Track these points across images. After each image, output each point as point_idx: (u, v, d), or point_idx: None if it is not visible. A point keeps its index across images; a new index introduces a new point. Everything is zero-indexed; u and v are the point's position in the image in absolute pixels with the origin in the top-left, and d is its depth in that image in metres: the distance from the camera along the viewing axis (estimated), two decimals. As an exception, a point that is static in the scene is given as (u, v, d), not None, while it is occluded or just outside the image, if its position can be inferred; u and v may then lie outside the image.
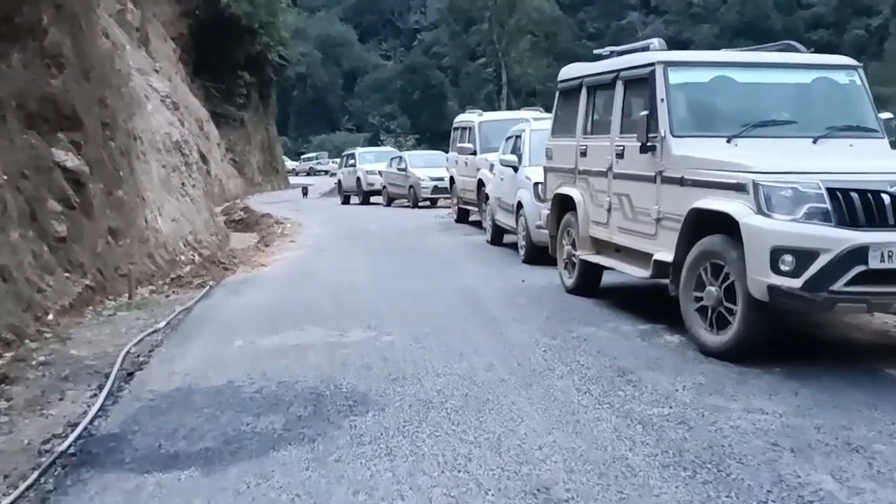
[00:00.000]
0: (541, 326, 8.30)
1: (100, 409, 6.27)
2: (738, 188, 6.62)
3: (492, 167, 17.39)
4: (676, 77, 7.98)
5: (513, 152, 14.50)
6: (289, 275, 13.06)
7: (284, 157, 64.70)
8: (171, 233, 15.76)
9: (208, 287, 12.26)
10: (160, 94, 20.11)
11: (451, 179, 21.79)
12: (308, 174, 70.94)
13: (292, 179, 58.23)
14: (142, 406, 6.32)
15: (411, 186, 28.55)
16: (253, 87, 48.74)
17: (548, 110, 21.08)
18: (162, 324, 9.51)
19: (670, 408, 5.67)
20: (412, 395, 6.18)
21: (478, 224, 19.54)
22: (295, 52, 59.93)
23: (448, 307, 9.56)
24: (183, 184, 18.32)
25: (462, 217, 21.22)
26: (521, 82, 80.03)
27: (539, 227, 11.74)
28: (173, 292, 12.08)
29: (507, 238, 15.63)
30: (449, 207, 25.98)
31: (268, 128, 54.32)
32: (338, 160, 57.37)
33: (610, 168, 8.90)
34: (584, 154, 9.66)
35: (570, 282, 10.12)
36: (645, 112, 7.85)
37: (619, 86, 8.85)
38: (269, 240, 18.92)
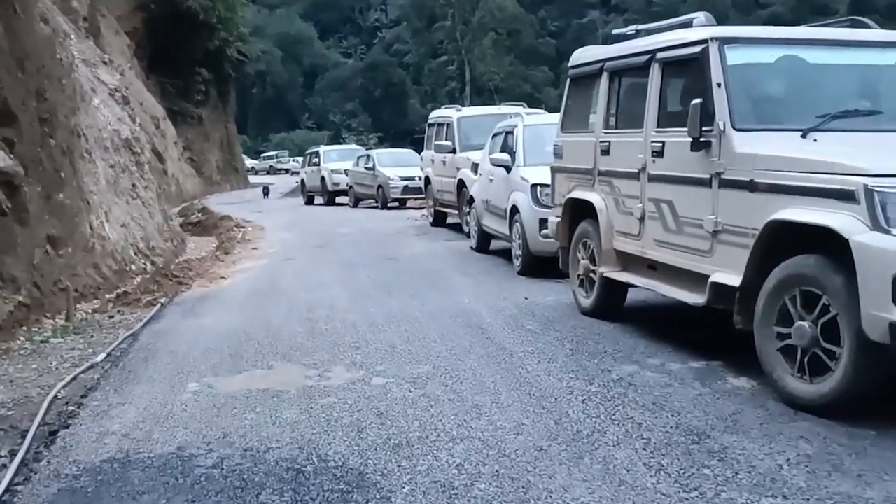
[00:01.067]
0: (567, 364, 6.75)
1: (6, 491, 4.67)
2: (841, 195, 5.10)
3: (474, 166, 15.94)
4: (736, 56, 6.47)
5: (503, 150, 12.96)
6: (252, 291, 11.43)
7: (244, 156, 63.01)
8: (120, 240, 14.14)
9: (159, 305, 10.66)
10: (109, 88, 18.34)
11: (427, 179, 20.17)
12: (268, 173, 69.66)
13: (252, 178, 56.52)
14: (62, 488, 4.72)
15: (380, 186, 27.14)
16: (211, 84, 47.13)
17: (531, 105, 19.80)
18: (101, 356, 7.90)
19: (784, 498, 4.14)
20: (424, 474, 4.60)
21: (457, 227, 18.04)
22: (254, 48, 58.16)
23: (447, 335, 7.98)
24: (134, 185, 16.60)
25: (439, 220, 19.65)
26: (483, 80, 79.04)
27: (545, 236, 10.21)
28: (118, 311, 10.47)
29: (495, 244, 14.12)
30: (420, 209, 24.67)
31: (227, 125, 52.53)
32: (299, 159, 56.14)
33: (643, 169, 7.37)
34: (605, 152, 8.13)
35: (587, 302, 8.59)
36: (697, 101, 6.31)
37: (656, 70, 7.31)
38: (228, 246, 17.21)
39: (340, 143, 55.99)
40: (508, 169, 12.35)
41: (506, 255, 13.31)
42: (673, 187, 6.92)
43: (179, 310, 10.32)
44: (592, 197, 8.30)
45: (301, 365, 7.13)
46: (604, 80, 8.30)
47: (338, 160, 31.94)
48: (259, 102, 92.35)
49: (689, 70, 6.85)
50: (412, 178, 25.29)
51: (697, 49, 6.62)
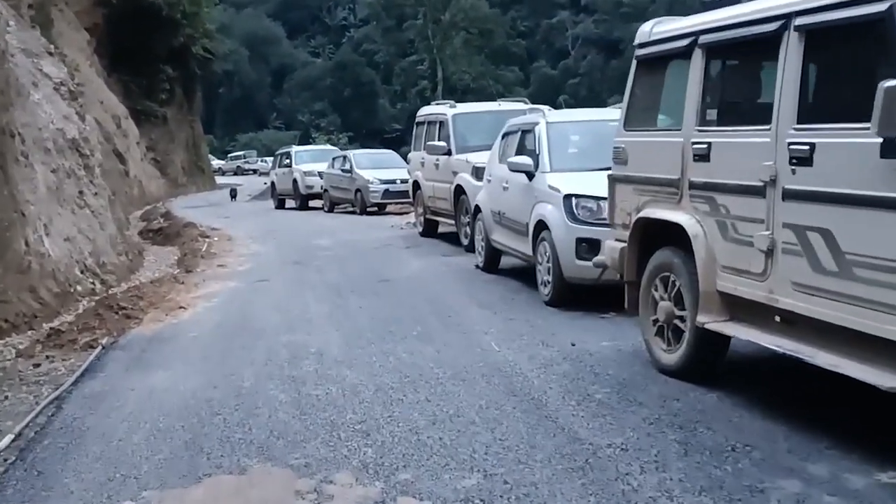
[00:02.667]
0: (689, 473, 4.49)
1: None
2: None
3: (476, 170, 13.80)
4: (947, 15, 4.33)
5: (520, 153, 10.78)
6: (218, 328, 9.12)
7: (211, 156, 60.66)
8: (64, 257, 11.95)
9: (99, 349, 8.39)
10: (53, 81, 15.98)
11: (416, 184, 17.90)
12: (235, 174, 67.52)
13: (219, 179, 54.21)
14: None
15: (358, 190, 25.00)
16: (176, 82, 44.91)
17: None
18: (6, 440, 5.66)
19: None
20: None
21: (450, 238, 15.94)
22: (221, 46, 55.85)
23: (488, 411, 5.74)
24: (81, 192, 14.30)
25: (429, 230, 17.40)
26: (454, 80, 77.74)
27: (599, 264, 8.00)
28: (48, 357, 8.22)
29: (505, 261, 11.99)
30: (402, 214, 22.73)
31: (192, 125, 50.17)
32: (268, 159, 53.91)
33: (773, 181, 5.19)
34: (703, 157, 5.93)
35: (669, 358, 6.38)
36: (893, 83, 4.16)
37: (794, 41, 5.11)
38: (191, 263, 14.87)
39: (310, 143, 54.12)
40: (530, 176, 10.17)
41: (520, 275, 11.25)
42: (832, 209, 4.74)
43: (124, 357, 8.05)
44: (680, 217, 6.11)
45: (287, 467, 4.90)
46: (697, 60, 6.09)
47: (311, 161, 29.67)
48: (226, 102, 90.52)
49: (858, 39, 4.71)
50: (393, 182, 23.49)
51: (878, 8, 4.45)
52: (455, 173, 15.08)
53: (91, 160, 15.79)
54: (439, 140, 16.17)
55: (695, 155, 6.00)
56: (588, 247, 8.90)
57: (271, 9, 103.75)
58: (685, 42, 6.22)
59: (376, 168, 25.04)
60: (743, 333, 5.57)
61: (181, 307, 10.44)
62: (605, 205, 8.70)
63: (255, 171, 65.17)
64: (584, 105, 52.18)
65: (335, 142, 60.87)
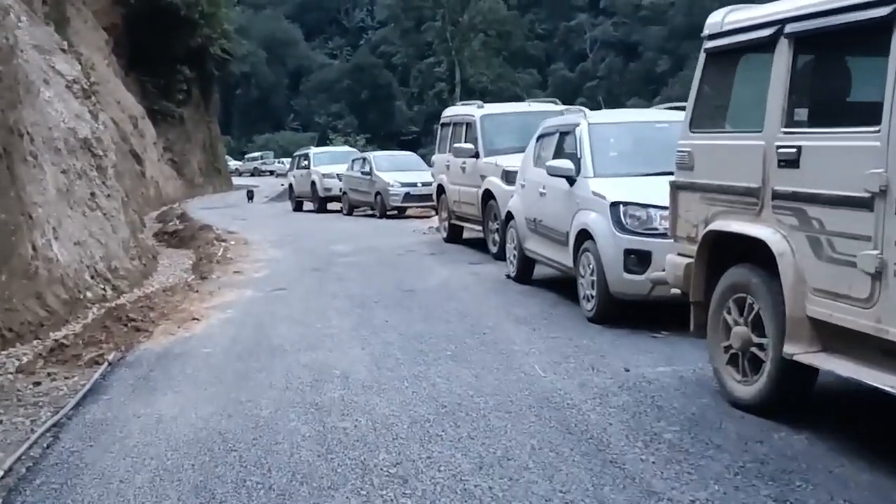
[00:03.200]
0: None
1: None
2: None
3: (506, 175, 13.10)
4: None
5: (558, 156, 10.05)
6: (233, 345, 8.37)
7: (227, 157, 60.33)
8: (73, 261, 11.41)
9: (105, 365, 7.71)
10: (66, 79, 15.33)
11: (440, 188, 17.16)
12: (252, 175, 67.36)
13: (235, 180, 53.85)
14: None
15: (378, 193, 24.34)
16: (193, 83, 44.67)
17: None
18: (-9, 480, 4.98)
19: None
20: None
21: (475, 244, 15.31)
22: (239, 47, 55.49)
23: (540, 454, 4.96)
24: (92, 193, 13.67)
25: (454, 235, 16.70)
26: (472, 82, 77.33)
27: (657, 280, 7.23)
28: (49, 375, 7.54)
29: (539, 270, 11.26)
30: (422, 217, 22.30)
31: (210, 126, 49.76)
32: (285, 160, 53.46)
33: (883, 192, 4.43)
34: (790, 163, 5.14)
35: (746, 391, 5.58)
36: None
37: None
38: (205, 269, 14.17)
39: (327, 145, 53.67)
40: (571, 181, 9.42)
41: (555, 286, 10.59)
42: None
43: (131, 377, 7.34)
44: (762, 232, 5.33)
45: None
46: (783, 52, 5.31)
47: (329, 163, 29.01)
48: (243, 104, 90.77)
49: None
50: (414, 185, 22.99)
51: None
52: (483, 177, 14.41)
53: (104, 160, 15.15)
54: (466, 142, 15.44)
55: (780, 160, 5.22)
56: (637, 259, 8.19)
57: (289, 10, 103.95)
58: (768, 32, 5.44)
59: (397, 170, 24.47)
60: (842, 368, 4.77)
61: (194, 318, 9.74)
62: (654, 213, 8.12)
63: (271, 173, 65.14)
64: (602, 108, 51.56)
65: (352, 143, 60.46)
